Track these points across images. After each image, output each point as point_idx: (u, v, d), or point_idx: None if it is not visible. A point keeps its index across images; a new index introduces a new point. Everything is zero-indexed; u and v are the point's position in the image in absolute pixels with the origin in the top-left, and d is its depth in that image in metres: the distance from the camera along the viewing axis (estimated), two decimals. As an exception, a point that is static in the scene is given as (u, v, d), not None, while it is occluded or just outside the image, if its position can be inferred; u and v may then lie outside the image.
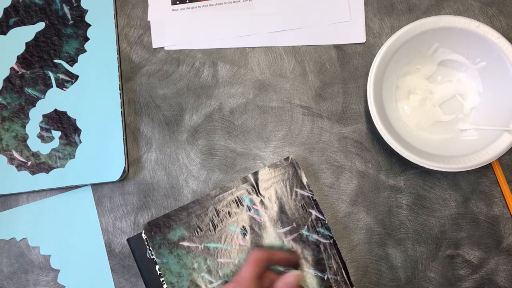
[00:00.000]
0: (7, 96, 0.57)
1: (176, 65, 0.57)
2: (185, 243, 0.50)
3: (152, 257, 0.50)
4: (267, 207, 0.51)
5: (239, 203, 0.51)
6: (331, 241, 0.50)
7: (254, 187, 0.51)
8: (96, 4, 0.58)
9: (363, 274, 0.52)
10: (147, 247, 0.50)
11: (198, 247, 0.50)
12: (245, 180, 0.51)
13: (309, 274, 0.49)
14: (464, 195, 0.53)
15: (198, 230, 0.50)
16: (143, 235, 0.50)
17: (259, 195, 0.51)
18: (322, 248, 0.49)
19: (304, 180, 0.51)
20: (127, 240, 0.51)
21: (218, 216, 0.50)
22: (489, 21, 0.56)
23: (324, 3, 0.57)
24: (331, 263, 0.49)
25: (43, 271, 0.54)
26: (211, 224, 0.50)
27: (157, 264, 0.49)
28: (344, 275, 0.49)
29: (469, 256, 0.51)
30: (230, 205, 0.51)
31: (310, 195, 0.51)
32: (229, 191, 0.51)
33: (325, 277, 0.49)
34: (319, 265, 0.49)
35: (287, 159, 0.52)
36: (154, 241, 0.50)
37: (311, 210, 0.50)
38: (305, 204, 0.51)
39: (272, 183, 0.51)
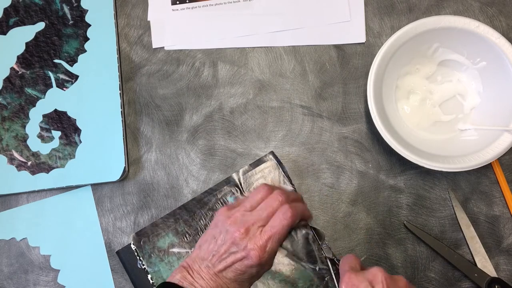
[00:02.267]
0: (7, 96, 0.57)
1: (176, 65, 0.57)
2: (175, 249, 0.49)
3: (143, 267, 0.49)
4: None
5: (224, 204, 0.51)
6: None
7: (238, 186, 0.51)
8: (96, 4, 0.58)
9: (363, 274, 0.52)
10: (137, 257, 0.50)
11: (188, 252, 0.49)
12: (228, 181, 0.51)
13: (301, 267, 0.49)
14: (464, 195, 0.53)
15: (187, 235, 0.50)
16: (132, 246, 0.50)
17: (243, 194, 0.51)
18: (311, 240, 0.49)
19: (287, 174, 0.51)
20: (117, 252, 0.51)
21: (205, 219, 0.50)
22: (489, 21, 0.56)
23: (324, 3, 0.57)
24: (321, 254, 0.49)
25: (43, 271, 0.54)
26: (199, 228, 0.50)
27: (149, 274, 0.49)
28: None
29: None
30: (216, 207, 0.51)
31: (293, 189, 0.50)
32: (213, 193, 0.51)
33: (317, 268, 0.49)
34: (310, 257, 0.49)
35: (267, 155, 0.51)
36: (144, 250, 0.49)
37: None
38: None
39: (255, 180, 0.51)
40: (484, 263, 0.51)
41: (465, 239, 0.52)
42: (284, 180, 0.51)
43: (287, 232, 0.44)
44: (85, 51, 0.57)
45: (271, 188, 0.46)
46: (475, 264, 0.51)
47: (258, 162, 0.51)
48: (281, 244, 0.44)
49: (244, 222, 0.43)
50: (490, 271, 0.50)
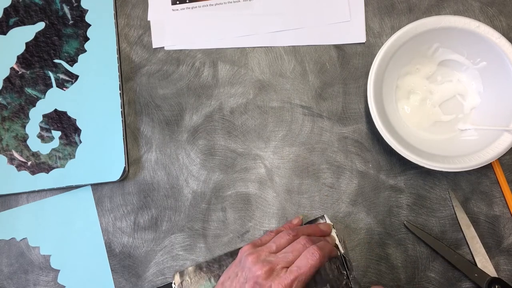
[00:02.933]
0: (7, 96, 0.56)
1: (176, 65, 0.57)
2: None
3: None
4: None
5: None
6: None
7: None
8: (96, 4, 0.58)
9: (363, 274, 0.52)
10: None
11: None
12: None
13: None
14: (465, 195, 0.53)
15: None
16: (173, 284, 0.50)
17: None
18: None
19: (338, 240, 0.50)
20: None
21: None
22: (489, 21, 0.56)
23: (324, 3, 0.57)
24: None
25: (43, 271, 0.54)
26: None
27: None
28: None
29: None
30: None
31: (343, 255, 0.50)
32: None
33: None
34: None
35: (322, 217, 0.51)
36: None
37: (345, 272, 0.49)
38: (339, 265, 0.49)
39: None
40: (485, 263, 0.51)
41: (465, 239, 0.52)
42: (335, 245, 0.50)
43: (313, 273, 0.43)
44: (85, 51, 0.57)
45: (297, 234, 0.46)
46: (475, 264, 0.51)
47: (314, 221, 0.51)
48: (305, 285, 0.43)
49: (268, 262, 0.43)
50: (490, 271, 0.50)
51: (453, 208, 0.52)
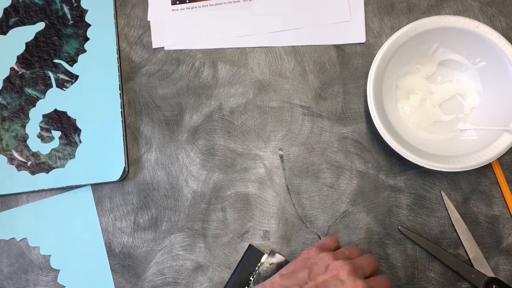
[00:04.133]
0: (7, 96, 0.57)
1: (176, 65, 0.57)
2: None
3: None
4: None
5: None
6: None
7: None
8: (96, 4, 0.58)
9: (363, 274, 0.52)
10: None
11: None
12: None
13: None
14: (464, 195, 0.53)
15: None
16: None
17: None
18: None
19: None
20: None
21: None
22: (489, 21, 0.56)
23: (324, 3, 0.57)
24: None
25: (43, 271, 0.54)
26: None
27: None
28: None
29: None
30: None
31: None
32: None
33: None
34: None
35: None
36: None
37: None
38: None
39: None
40: (481, 264, 0.51)
41: (460, 240, 0.52)
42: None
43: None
44: (85, 51, 0.57)
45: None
46: (472, 265, 0.51)
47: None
48: None
49: (350, 262, 0.43)
50: (487, 271, 0.50)
51: (446, 210, 0.52)
